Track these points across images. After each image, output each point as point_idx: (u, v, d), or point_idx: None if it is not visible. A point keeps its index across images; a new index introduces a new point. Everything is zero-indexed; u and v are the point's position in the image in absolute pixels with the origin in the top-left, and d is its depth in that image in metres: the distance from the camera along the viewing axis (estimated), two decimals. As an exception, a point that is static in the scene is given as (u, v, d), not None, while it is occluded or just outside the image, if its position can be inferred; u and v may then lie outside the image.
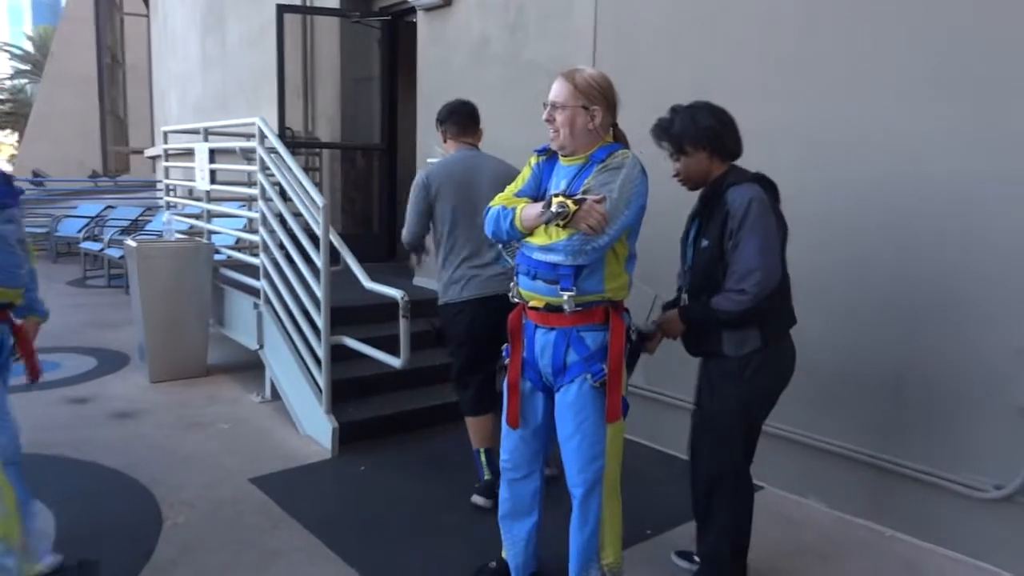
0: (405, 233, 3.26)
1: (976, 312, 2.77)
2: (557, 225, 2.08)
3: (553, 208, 2.05)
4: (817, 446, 3.27)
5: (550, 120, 2.20)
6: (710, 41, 3.61)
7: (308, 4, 7.07)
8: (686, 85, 3.68)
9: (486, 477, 3.26)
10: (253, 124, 4.55)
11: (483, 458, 3.29)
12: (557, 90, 2.20)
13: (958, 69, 2.78)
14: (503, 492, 2.48)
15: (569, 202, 2.04)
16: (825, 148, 3.19)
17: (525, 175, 2.34)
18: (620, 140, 2.28)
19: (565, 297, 2.13)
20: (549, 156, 2.31)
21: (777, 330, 2.39)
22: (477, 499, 3.23)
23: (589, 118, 2.18)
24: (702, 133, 2.35)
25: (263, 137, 4.50)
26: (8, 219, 2.50)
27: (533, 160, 2.35)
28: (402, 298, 3.54)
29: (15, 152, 33.68)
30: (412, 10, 5.79)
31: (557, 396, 2.27)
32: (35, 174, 16.98)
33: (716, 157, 2.39)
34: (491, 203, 2.33)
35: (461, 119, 3.31)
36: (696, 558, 2.69)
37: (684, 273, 2.52)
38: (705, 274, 2.36)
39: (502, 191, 2.37)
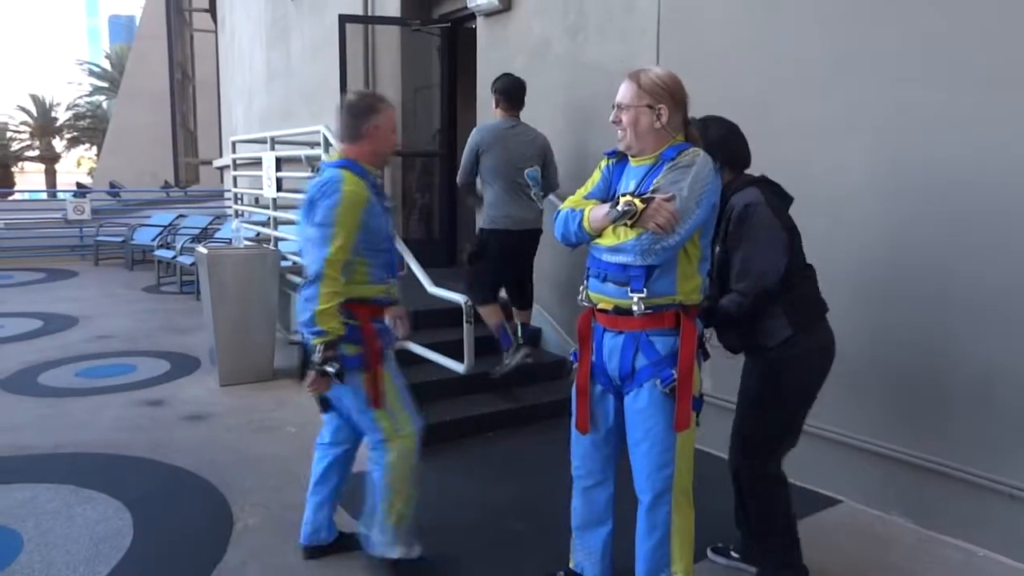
0: (459, 176, 4.23)
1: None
2: (625, 225, 2.04)
3: (620, 207, 2.02)
4: (899, 458, 3.11)
5: (617, 121, 2.17)
6: (777, 34, 3.48)
7: (369, 14, 7.18)
8: (754, 79, 3.58)
9: (518, 342, 4.16)
10: (318, 132, 4.63)
11: (507, 329, 4.11)
12: (623, 91, 2.17)
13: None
14: (576, 501, 2.43)
15: (636, 200, 2.00)
16: (894, 138, 3.04)
17: (595, 178, 2.31)
18: (692, 139, 2.22)
19: (635, 299, 2.08)
20: (619, 158, 2.27)
21: (807, 317, 2.44)
22: (515, 358, 4.05)
23: (655, 117, 2.13)
24: (714, 144, 2.34)
25: (328, 144, 4.56)
26: (386, 210, 2.61)
27: (603, 163, 2.32)
28: (466, 303, 3.53)
29: (94, 165, 35.37)
30: (472, 16, 5.80)
31: (626, 400, 2.22)
32: (112, 185, 17.77)
33: (727, 167, 2.44)
34: (560, 206, 2.30)
35: (512, 96, 4.21)
36: (733, 553, 2.75)
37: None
38: (719, 276, 2.44)
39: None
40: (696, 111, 2.29)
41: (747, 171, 2.53)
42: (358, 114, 2.53)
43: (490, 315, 4.21)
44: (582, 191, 2.31)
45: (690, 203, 2.03)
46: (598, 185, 2.28)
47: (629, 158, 2.23)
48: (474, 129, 4.26)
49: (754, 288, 2.35)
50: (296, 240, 5.80)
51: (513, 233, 4.13)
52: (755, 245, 2.35)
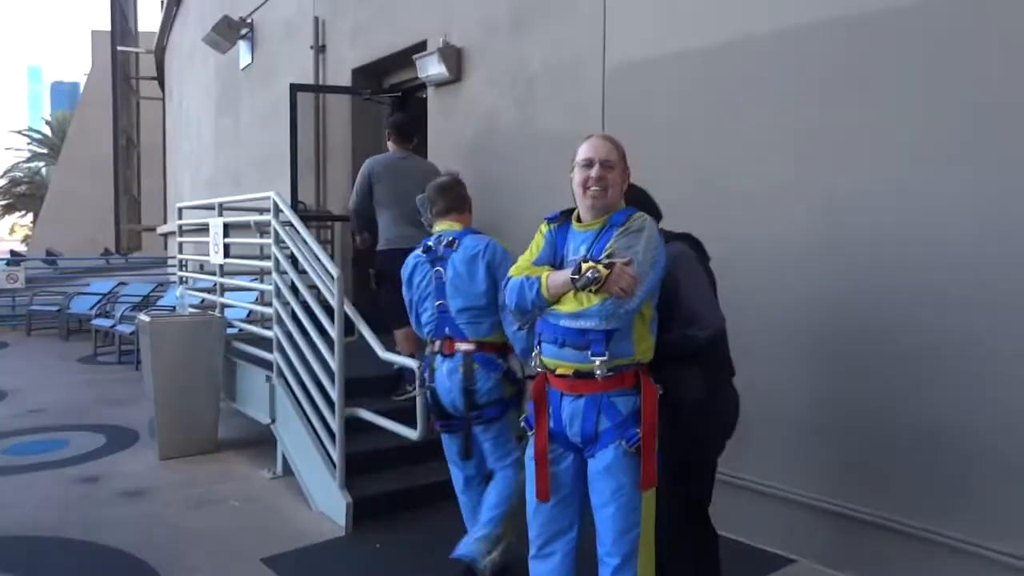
0: (352, 202, 4.65)
1: (1014, 369, 2.70)
2: (589, 291, 2.06)
3: (589, 274, 2.04)
4: (850, 515, 3.15)
5: (600, 179, 2.19)
6: (720, 109, 3.67)
7: (320, 83, 7.29)
8: (698, 152, 3.75)
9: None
10: (268, 198, 4.61)
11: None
12: (606, 149, 2.22)
13: (953, 135, 2.81)
14: (536, 571, 2.36)
15: (600, 267, 2.03)
16: (834, 210, 3.20)
17: (539, 243, 2.33)
18: (627, 203, 2.32)
19: (597, 362, 2.10)
20: (561, 223, 2.31)
21: (718, 376, 2.48)
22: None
23: (624, 180, 2.25)
24: (637, 204, 2.40)
25: (278, 211, 4.55)
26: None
27: (544, 228, 2.35)
28: (418, 368, 3.49)
29: (30, 233, 34.28)
30: (422, 86, 5.95)
31: (590, 464, 2.20)
32: (48, 253, 17.22)
33: None
34: (509, 273, 2.32)
35: (403, 131, 4.75)
36: None
37: None
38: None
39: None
40: (642, 182, 2.38)
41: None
42: (463, 191, 3.20)
43: (403, 340, 4.34)
44: (527, 257, 2.32)
45: (645, 266, 2.10)
46: (544, 250, 2.30)
47: (572, 223, 2.27)
48: (367, 160, 4.69)
49: (714, 323, 2.40)
50: (240, 306, 5.71)
51: (408, 251, 3.78)
52: (697, 286, 2.41)
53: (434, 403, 3.04)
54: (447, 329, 2.96)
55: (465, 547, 2.99)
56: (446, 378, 2.95)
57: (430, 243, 3.08)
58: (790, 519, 3.37)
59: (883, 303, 3.05)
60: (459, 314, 2.92)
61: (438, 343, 2.98)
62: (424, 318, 3.06)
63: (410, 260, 3.13)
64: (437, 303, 2.98)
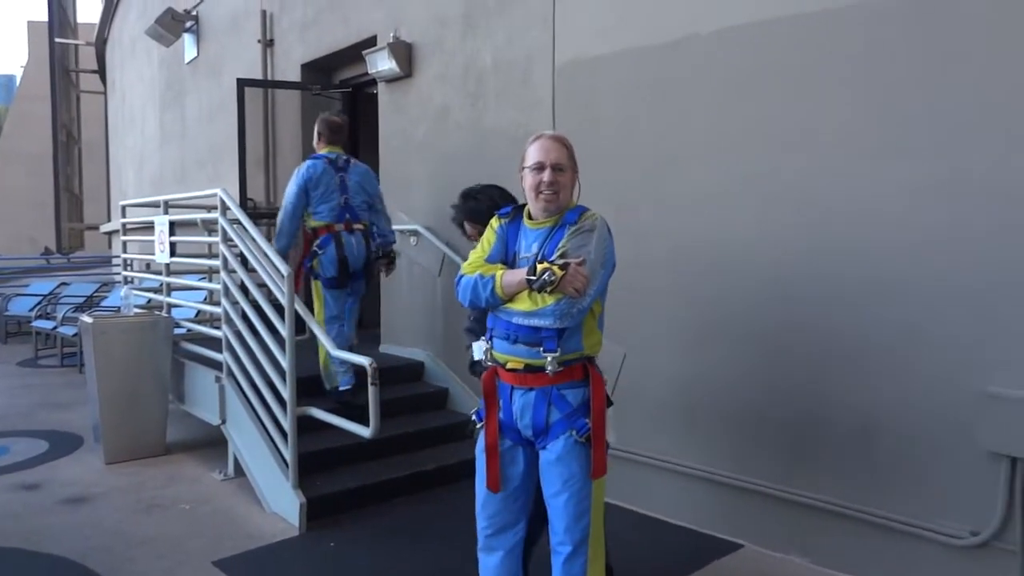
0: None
1: (945, 357, 2.83)
2: (544, 291, 2.09)
3: (545, 276, 2.07)
4: (795, 500, 3.26)
5: (552, 183, 2.20)
6: (666, 107, 3.74)
7: (268, 78, 7.17)
8: (646, 149, 3.82)
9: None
10: (215, 196, 4.53)
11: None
12: (557, 152, 2.22)
13: (900, 129, 2.92)
14: (484, 564, 2.39)
15: (556, 268, 2.06)
16: (779, 205, 3.30)
17: (491, 239, 2.34)
18: None
19: (549, 358, 2.14)
20: (512, 218, 2.33)
21: None
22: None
23: (574, 179, 2.27)
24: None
25: (225, 208, 4.47)
26: None
27: (495, 223, 2.36)
28: (370, 365, 3.47)
29: (-37, 231, 32.81)
30: (373, 82, 5.90)
31: (542, 455, 2.24)
32: (-16, 253, 16.55)
33: None
34: (462, 270, 2.33)
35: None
36: None
37: None
38: None
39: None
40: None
41: None
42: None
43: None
44: (479, 253, 2.33)
45: (596, 265, 2.15)
46: (496, 247, 2.31)
47: (524, 220, 2.30)
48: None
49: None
50: (188, 305, 5.60)
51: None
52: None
53: (342, 266, 4.26)
54: (347, 215, 4.32)
55: None
56: (354, 247, 4.31)
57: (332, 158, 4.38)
58: (736, 505, 3.47)
59: (826, 294, 3.16)
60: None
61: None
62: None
63: (318, 166, 4.32)
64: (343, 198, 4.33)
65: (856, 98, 3.04)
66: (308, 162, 4.36)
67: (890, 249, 2.96)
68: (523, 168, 2.27)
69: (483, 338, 2.33)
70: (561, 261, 2.10)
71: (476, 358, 2.43)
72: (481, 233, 2.44)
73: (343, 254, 4.24)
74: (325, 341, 3.85)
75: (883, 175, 2.97)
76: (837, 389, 3.13)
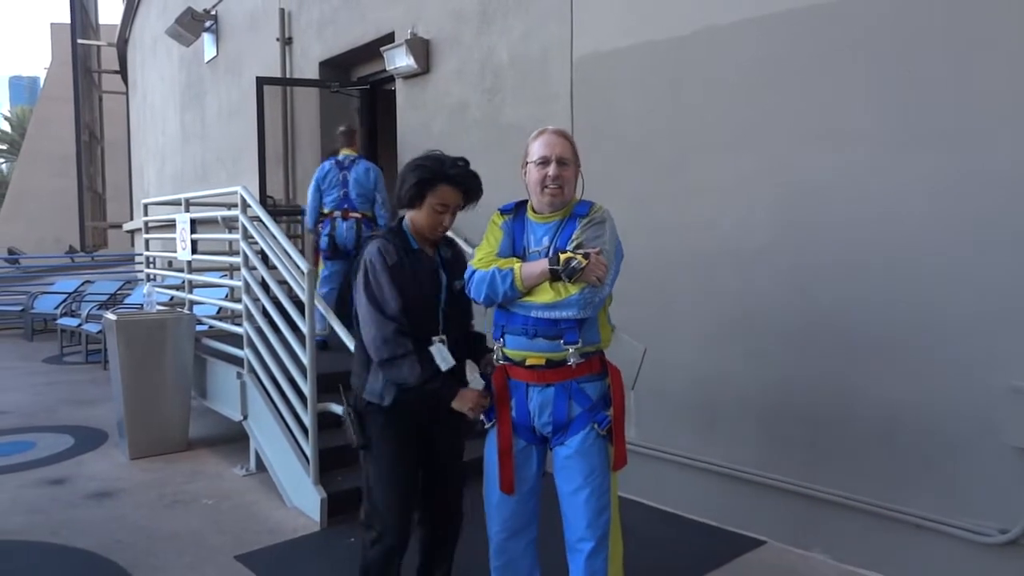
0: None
1: (970, 351, 2.78)
2: (565, 280, 2.08)
3: (573, 264, 2.05)
4: (817, 496, 3.22)
5: (557, 177, 2.19)
6: (684, 102, 3.70)
7: (287, 76, 7.21)
8: (663, 143, 3.78)
9: None
10: (235, 193, 4.56)
11: None
12: (561, 147, 2.21)
13: (913, 124, 2.87)
14: (496, 562, 2.35)
15: (580, 257, 2.05)
16: (796, 198, 3.25)
17: (497, 235, 2.30)
18: None
19: (571, 350, 2.13)
20: (516, 214, 2.31)
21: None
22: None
23: (578, 173, 2.26)
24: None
25: (246, 205, 4.50)
26: None
27: (500, 219, 2.33)
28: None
29: (-10, 231, 33.35)
30: (391, 78, 5.91)
31: (559, 451, 2.21)
32: (11, 252, 16.82)
33: None
34: (472, 265, 2.27)
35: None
36: None
37: None
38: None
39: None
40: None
41: None
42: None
43: None
44: (488, 249, 2.28)
45: (610, 256, 2.14)
46: (504, 242, 2.28)
47: (528, 214, 2.28)
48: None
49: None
50: (210, 302, 5.66)
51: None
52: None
53: (331, 242, 5.03)
54: (345, 205, 5.07)
55: None
56: (344, 230, 5.03)
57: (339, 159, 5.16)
58: (758, 501, 3.44)
59: (848, 288, 3.12)
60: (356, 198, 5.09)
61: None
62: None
63: (327, 166, 5.17)
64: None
65: (879, 90, 2.99)
66: (322, 163, 5.29)
67: (913, 243, 2.91)
68: (526, 163, 2.27)
69: (437, 339, 2.28)
70: (583, 251, 2.09)
71: (443, 368, 2.26)
72: (446, 201, 2.34)
73: (334, 234, 5.12)
74: (346, 337, 3.85)
75: (906, 168, 2.92)
76: (860, 384, 3.09)
